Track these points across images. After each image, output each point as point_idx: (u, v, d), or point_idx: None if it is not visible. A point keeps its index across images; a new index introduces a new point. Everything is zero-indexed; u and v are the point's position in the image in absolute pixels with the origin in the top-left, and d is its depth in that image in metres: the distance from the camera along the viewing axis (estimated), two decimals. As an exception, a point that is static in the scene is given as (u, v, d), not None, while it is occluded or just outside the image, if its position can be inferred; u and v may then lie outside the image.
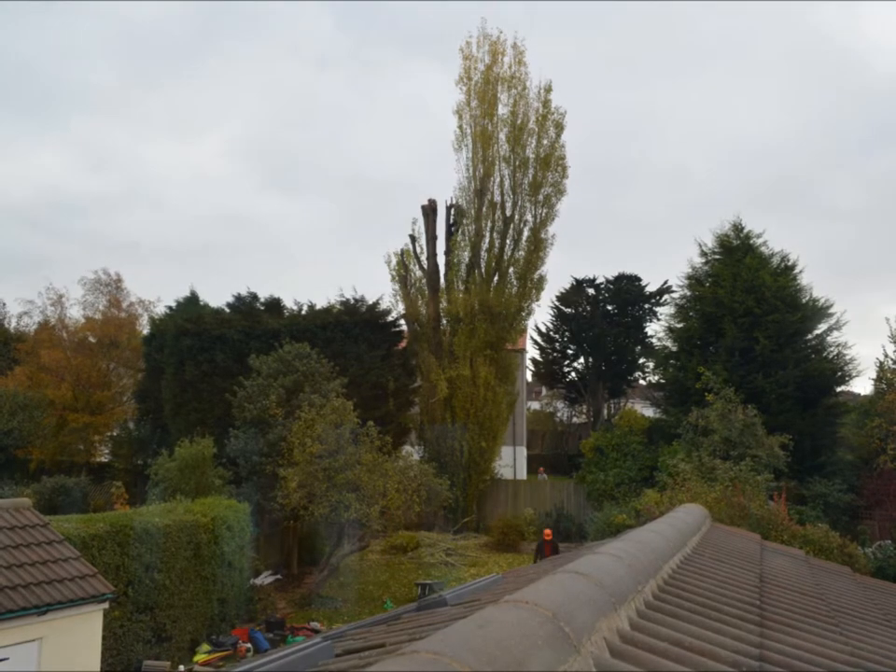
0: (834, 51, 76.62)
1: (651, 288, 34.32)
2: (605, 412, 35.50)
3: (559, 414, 39.62)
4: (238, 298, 26.16)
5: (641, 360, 34.58)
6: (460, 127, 27.08)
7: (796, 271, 24.01)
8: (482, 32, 27.03)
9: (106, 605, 9.58)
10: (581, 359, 36.53)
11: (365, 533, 17.48)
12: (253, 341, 22.63)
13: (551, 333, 36.65)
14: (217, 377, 22.34)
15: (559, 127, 26.62)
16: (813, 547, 11.31)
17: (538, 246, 26.50)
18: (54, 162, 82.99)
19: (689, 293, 25.65)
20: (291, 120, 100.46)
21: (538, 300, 26.94)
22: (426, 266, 26.87)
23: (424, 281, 26.82)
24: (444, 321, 26.62)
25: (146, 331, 29.24)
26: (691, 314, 25.22)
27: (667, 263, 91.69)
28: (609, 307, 34.96)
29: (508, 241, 26.55)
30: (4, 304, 39.11)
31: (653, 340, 32.13)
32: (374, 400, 22.60)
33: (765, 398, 21.54)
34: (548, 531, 18.14)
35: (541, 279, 26.73)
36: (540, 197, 26.55)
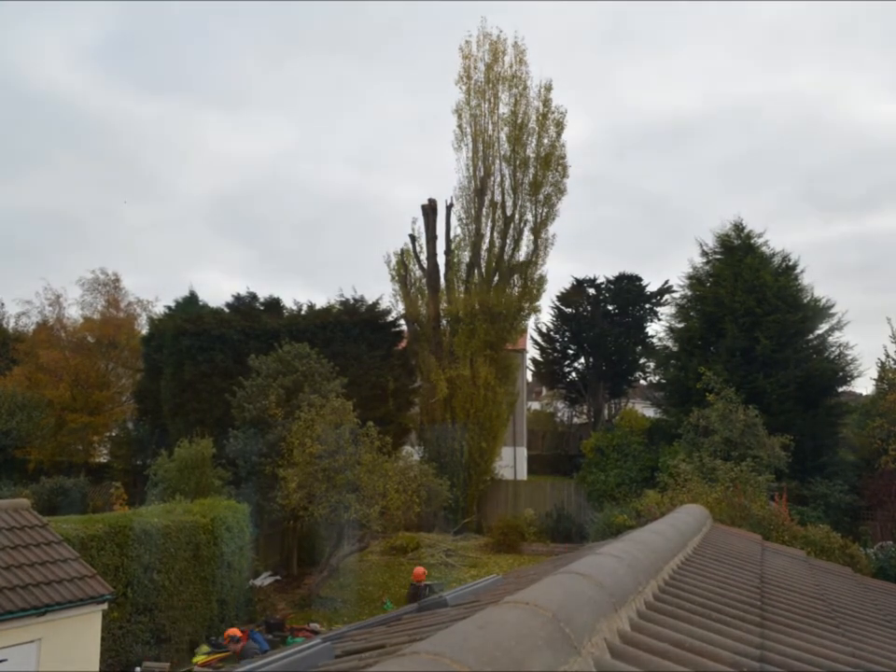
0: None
1: (651, 288, 34.36)
2: (605, 412, 35.48)
3: (559, 415, 39.60)
4: (237, 298, 26.18)
5: (642, 360, 34.56)
6: (460, 126, 27.08)
7: (797, 270, 24.04)
8: (481, 31, 27.03)
9: (105, 606, 9.57)
10: (582, 359, 36.52)
11: (365, 534, 17.47)
12: (252, 341, 22.63)
13: (551, 333, 36.64)
14: (217, 377, 22.34)
15: (559, 126, 26.62)
16: (814, 548, 11.29)
17: (538, 246, 26.52)
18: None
19: (689, 293, 25.65)
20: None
21: (538, 299, 26.97)
22: (426, 266, 26.85)
23: (424, 281, 26.81)
24: (444, 321, 26.61)
25: (144, 331, 29.26)
26: (691, 314, 25.22)
27: (668, 263, 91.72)
28: (610, 307, 34.95)
29: (508, 241, 26.55)
30: (2, 304, 39.16)
31: (654, 340, 32.13)
32: (374, 400, 22.59)
33: (766, 398, 21.53)
34: (420, 569, 15.24)
35: (542, 279, 26.76)
36: (541, 197, 26.55)
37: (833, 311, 23.26)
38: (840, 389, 23.93)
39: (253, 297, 26.16)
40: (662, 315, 32.91)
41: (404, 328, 26.46)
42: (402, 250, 27.05)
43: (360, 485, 16.17)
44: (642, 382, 35.91)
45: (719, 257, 24.95)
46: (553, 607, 1.64)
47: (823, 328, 23.41)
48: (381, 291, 29.43)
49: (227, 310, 25.53)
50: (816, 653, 2.65)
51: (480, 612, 1.63)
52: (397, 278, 26.94)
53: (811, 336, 23.44)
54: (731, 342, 22.80)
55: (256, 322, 23.80)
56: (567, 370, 37.23)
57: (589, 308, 34.95)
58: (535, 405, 42.38)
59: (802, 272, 24.05)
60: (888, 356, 21.95)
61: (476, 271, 26.55)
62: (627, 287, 34.29)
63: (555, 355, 37.20)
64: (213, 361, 22.92)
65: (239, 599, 15.46)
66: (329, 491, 16.07)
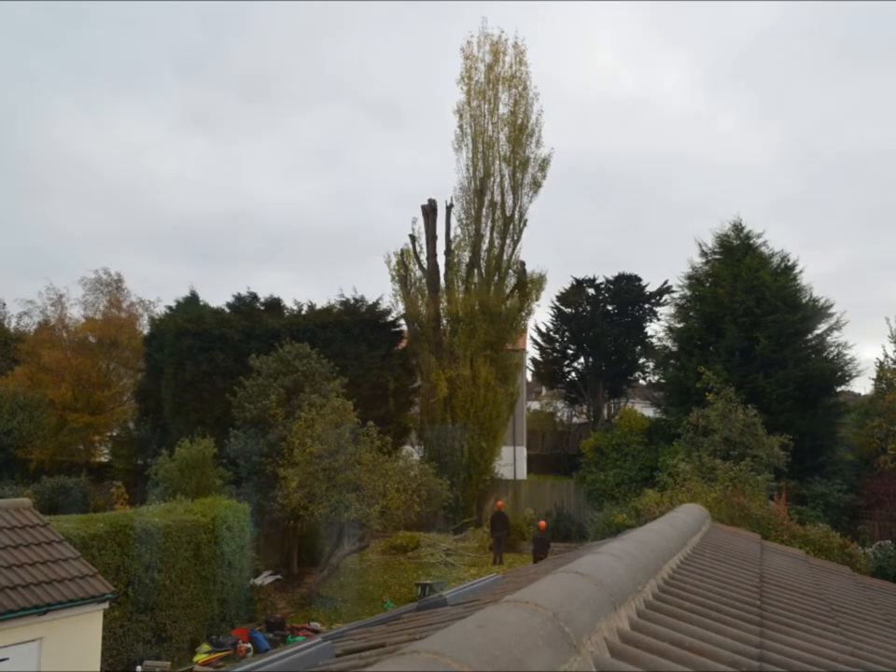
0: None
1: (651, 288, 34.33)
2: (605, 412, 35.46)
3: (559, 414, 39.58)
4: (238, 298, 26.18)
5: (641, 360, 34.52)
6: (460, 127, 27.09)
7: (796, 271, 24.04)
8: (482, 31, 27.03)
9: (106, 605, 9.58)
10: (581, 359, 36.49)
11: (365, 533, 17.48)
12: (253, 341, 22.64)
13: (551, 333, 36.62)
14: (217, 377, 22.35)
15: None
16: (813, 547, 11.30)
17: (537, 246, 26.59)
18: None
19: (689, 293, 25.64)
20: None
21: (537, 299, 26.99)
22: (426, 266, 26.86)
23: (424, 281, 26.82)
24: (444, 321, 26.61)
25: (146, 331, 29.28)
26: (691, 314, 25.22)
27: (668, 263, 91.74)
28: (610, 307, 34.92)
29: (508, 241, 26.56)
30: (4, 304, 39.18)
31: (653, 340, 32.10)
32: (374, 400, 22.61)
33: (766, 397, 21.54)
34: (542, 522, 20.22)
35: (541, 279, 26.77)
36: (540, 197, 26.56)
37: (831, 311, 23.31)
38: (839, 389, 23.94)
39: (253, 297, 26.17)
40: (661, 315, 32.93)
41: (404, 328, 26.46)
42: (402, 250, 27.08)
43: (360, 485, 16.18)
44: (642, 382, 35.88)
45: (718, 257, 24.95)
46: (553, 606, 1.65)
47: (822, 327, 23.44)
48: (381, 291, 29.39)
49: (227, 310, 25.53)
50: (815, 652, 2.66)
51: (480, 611, 1.64)
52: (397, 278, 26.95)
53: (810, 336, 23.44)
54: (730, 341, 22.80)
55: (256, 322, 23.80)
56: (566, 369, 37.21)
57: (588, 308, 34.93)
58: (535, 405, 42.35)
59: (800, 272, 24.10)
60: (886, 355, 21.98)
61: (476, 271, 26.55)
62: (627, 287, 34.27)
63: (555, 355, 37.17)
64: (214, 361, 22.93)
65: (239, 598, 15.47)
66: (329, 490, 16.08)
